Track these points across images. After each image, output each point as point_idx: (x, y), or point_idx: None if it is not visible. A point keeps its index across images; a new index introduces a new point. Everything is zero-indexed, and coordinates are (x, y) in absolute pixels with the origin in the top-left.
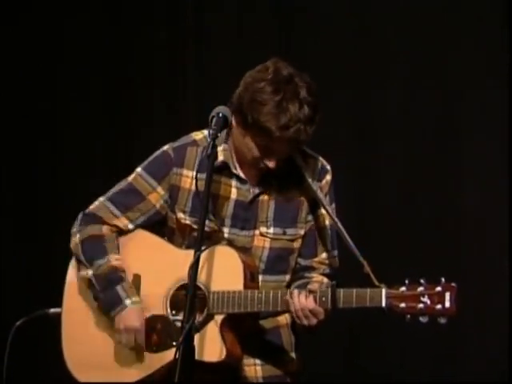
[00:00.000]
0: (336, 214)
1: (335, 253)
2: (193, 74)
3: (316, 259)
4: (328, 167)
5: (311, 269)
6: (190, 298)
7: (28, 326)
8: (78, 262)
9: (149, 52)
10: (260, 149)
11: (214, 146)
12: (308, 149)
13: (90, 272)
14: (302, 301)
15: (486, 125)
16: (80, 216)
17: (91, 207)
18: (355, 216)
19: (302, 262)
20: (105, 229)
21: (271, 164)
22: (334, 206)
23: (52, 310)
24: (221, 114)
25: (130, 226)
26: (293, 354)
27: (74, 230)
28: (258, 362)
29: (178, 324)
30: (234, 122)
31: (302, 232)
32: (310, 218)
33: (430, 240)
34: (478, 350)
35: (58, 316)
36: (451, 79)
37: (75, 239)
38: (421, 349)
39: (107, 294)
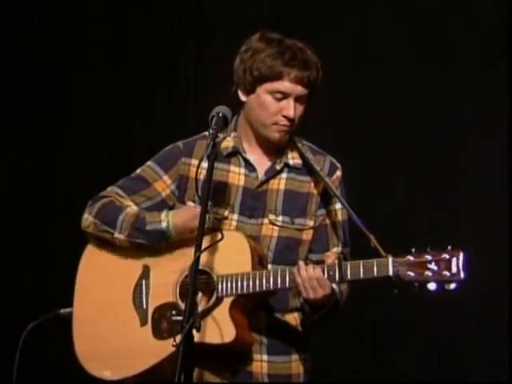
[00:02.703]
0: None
1: (347, 250)
2: (193, 73)
3: (328, 253)
4: (338, 165)
5: (323, 263)
6: (190, 298)
7: (39, 328)
8: (102, 237)
9: (149, 52)
10: (275, 98)
11: (215, 146)
12: (317, 148)
13: (120, 236)
14: (309, 271)
15: (486, 125)
16: (89, 203)
17: (99, 194)
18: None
19: (314, 257)
20: (112, 198)
21: (290, 111)
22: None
23: (63, 311)
24: (221, 114)
25: (135, 208)
26: (301, 355)
27: (85, 215)
28: (264, 358)
29: (176, 318)
30: (243, 97)
31: (311, 223)
32: (320, 212)
33: (429, 240)
34: (478, 350)
35: (69, 316)
36: (451, 79)
37: (89, 221)
38: (421, 349)
39: (149, 239)
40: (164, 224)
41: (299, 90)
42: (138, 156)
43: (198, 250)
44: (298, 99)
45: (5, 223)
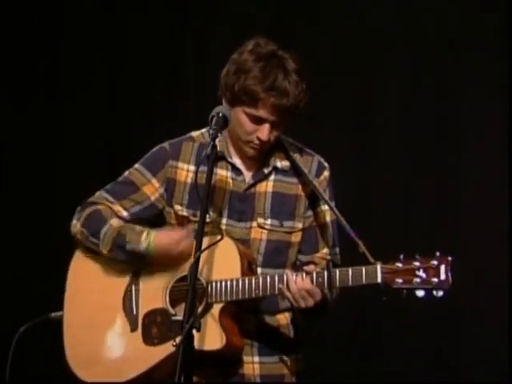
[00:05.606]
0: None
1: (337, 250)
2: (193, 73)
3: (318, 255)
4: (326, 164)
5: (313, 264)
6: (191, 298)
7: (31, 331)
8: (90, 247)
9: (149, 52)
10: (251, 120)
11: (215, 146)
12: (306, 147)
13: (103, 250)
14: (298, 282)
15: (486, 125)
16: (78, 209)
17: (88, 199)
18: (355, 217)
19: (303, 258)
20: (100, 206)
21: (263, 136)
22: (333, 203)
23: (54, 314)
24: (221, 114)
25: (125, 214)
26: (293, 355)
27: (74, 221)
28: (256, 359)
29: (176, 318)
30: (227, 105)
31: (299, 226)
32: (308, 213)
33: (429, 241)
34: (478, 350)
35: (60, 319)
36: (451, 79)
37: (77, 228)
38: (421, 349)
39: (129, 258)
40: (144, 245)
41: (274, 117)
42: (138, 156)
43: (198, 250)
44: (274, 124)
45: (3, 224)
